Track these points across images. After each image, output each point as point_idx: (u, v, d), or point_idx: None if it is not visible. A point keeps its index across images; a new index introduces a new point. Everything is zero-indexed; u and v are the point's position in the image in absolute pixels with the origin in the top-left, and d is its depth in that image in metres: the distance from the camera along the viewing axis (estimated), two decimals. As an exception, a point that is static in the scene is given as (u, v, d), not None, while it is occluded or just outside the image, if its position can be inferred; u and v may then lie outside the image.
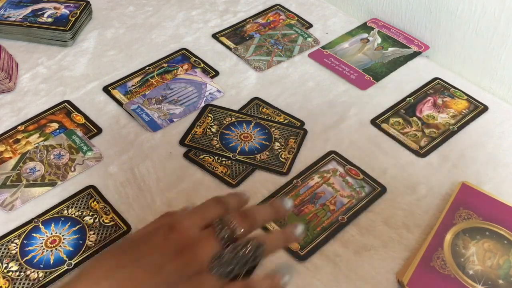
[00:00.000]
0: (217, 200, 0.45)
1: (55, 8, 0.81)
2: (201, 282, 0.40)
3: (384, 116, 0.67)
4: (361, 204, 0.57)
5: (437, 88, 0.70)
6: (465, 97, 0.69)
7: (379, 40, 0.78)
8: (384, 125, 0.65)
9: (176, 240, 0.41)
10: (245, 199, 0.47)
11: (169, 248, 0.40)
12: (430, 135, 0.64)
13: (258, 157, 0.62)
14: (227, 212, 0.44)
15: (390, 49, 0.76)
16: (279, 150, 0.63)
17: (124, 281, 0.39)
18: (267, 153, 0.62)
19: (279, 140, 0.64)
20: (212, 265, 0.40)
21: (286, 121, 0.66)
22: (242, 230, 0.42)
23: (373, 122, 0.66)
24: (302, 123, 0.66)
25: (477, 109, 0.67)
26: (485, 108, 0.67)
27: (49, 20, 0.79)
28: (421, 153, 0.62)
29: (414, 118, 0.66)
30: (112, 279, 0.39)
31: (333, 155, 0.62)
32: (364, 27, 0.80)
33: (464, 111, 0.67)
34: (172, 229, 0.42)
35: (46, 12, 0.80)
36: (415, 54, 0.75)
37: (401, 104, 0.68)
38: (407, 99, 0.69)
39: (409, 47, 0.76)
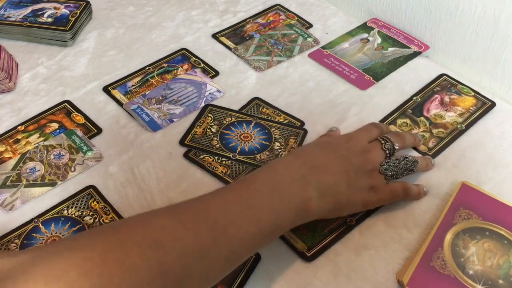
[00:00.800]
0: (375, 125, 0.60)
1: (55, 8, 0.81)
2: (375, 176, 0.54)
3: (391, 118, 0.66)
4: None
5: (444, 85, 0.70)
6: (472, 93, 0.69)
7: (379, 40, 0.78)
8: (391, 127, 0.65)
9: (355, 146, 0.55)
10: (388, 128, 0.62)
11: (352, 150, 0.55)
12: (438, 136, 0.64)
13: (258, 157, 0.62)
14: (383, 133, 0.59)
15: (390, 49, 0.76)
16: (279, 150, 0.63)
17: (325, 160, 0.52)
18: (267, 153, 0.62)
19: (279, 140, 0.64)
20: (381, 167, 0.55)
21: (286, 121, 0.66)
22: (398, 146, 0.57)
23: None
24: (302, 123, 0.66)
25: (485, 105, 0.67)
26: (493, 104, 0.67)
27: (49, 20, 0.79)
28: (430, 154, 0.62)
29: (422, 118, 0.66)
30: (320, 160, 0.52)
31: None
32: (364, 27, 0.80)
33: (471, 108, 0.67)
34: (349, 139, 0.56)
35: (46, 12, 0.80)
36: (415, 54, 0.75)
37: (408, 104, 0.68)
38: (414, 97, 0.69)
39: (409, 47, 0.76)
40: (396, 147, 0.57)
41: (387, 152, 0.56)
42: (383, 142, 0.57)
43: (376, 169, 0.55)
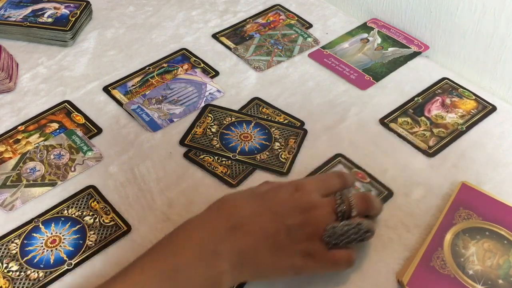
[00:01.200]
0: (338, 175, 0.52)
1: (55, 8, 0.81)
2: (313, 242, 0.45)
3: (392, 116, 0.67)
4: None
5: (446, 88, 0.70)
6: (473, 97, 0.69)
7: (379, 40, 0.78)
8: (392, 125, 0.65)
9: (300, 200, 0.47)
10: (353, 181, 0.53)
11: (293, 205, 0.46)
12: (439, 135, 0.64)
13: (258, 157, 0.62)
14: (345, 187, 0.50)
15: (390, 49, 0.76)
16: (279, 150, 0.63)
17: (250, 218, 0.45)
18: (267, 153, 0.62)
19: (279, 140, 0.64)
20: (325, 233, 0.46)
21: (286, 121, 0.66)
22: (357, 211, 0.47)
23: (382, 121, 0.66)
24: (302, 123, 0.66)
25: (486, 109, 0.67)
26: (494, 108, 0.67)
27: (49, 20, 0.79)
28: (430, 153, 0.62)
29: (423, 118, 0.66)
30: (243, 217, 0.45)
31: (340, 158, 0.61)
32: (364, 27, 0.80)
33: (472, 111, 0.67)
34: (297, 189, 0.48)
35: (46, 12, 0.80)
36: (415, 54, 0.75)
37: (410, 104, 0.68)
38: (415, 98, 0.69)
39: (409, 47, 0.76)
40: (353, 214, 0.47)
41: (339, 215, 0.47)
42: (338, 201, 0.47)
43: (318, 232, 0.46)
